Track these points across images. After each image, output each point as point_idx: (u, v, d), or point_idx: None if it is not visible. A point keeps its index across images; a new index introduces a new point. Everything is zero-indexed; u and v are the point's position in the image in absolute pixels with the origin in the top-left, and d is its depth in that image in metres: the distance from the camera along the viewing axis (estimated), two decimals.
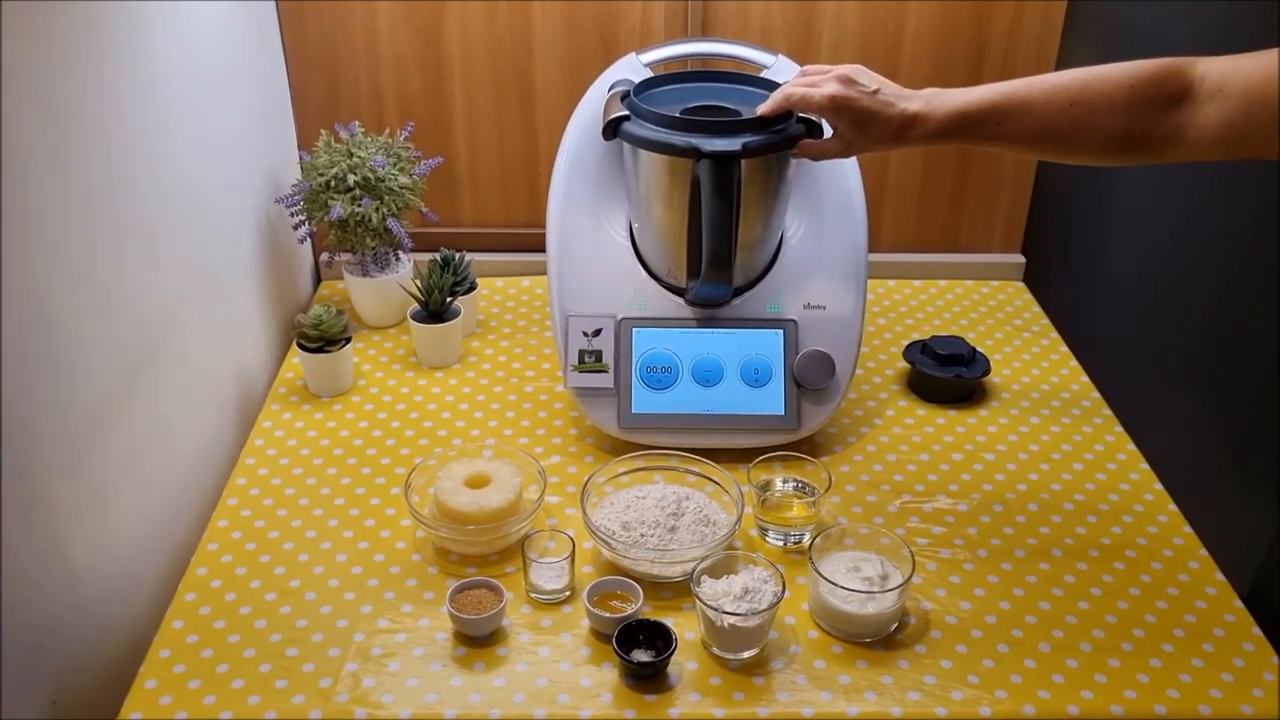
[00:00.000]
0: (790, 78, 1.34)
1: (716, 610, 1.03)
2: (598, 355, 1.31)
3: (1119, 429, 1.40)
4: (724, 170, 1.18)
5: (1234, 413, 1.62)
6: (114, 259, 1.08)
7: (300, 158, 1.55)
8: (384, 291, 1.56)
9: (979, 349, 1.48)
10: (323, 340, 1.41)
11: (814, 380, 1.30)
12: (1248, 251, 1.42)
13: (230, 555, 1.18)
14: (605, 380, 1.31)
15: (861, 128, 1.12)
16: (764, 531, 1.22)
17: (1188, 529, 1.23)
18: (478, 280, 1.59)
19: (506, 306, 1.66)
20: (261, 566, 1.16)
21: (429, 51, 1.59)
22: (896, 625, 1.10)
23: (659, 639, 1.05)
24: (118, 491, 1.09)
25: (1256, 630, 1.10)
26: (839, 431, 1.38)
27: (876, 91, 1.11)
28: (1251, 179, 1.49)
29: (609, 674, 1.04)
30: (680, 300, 1.33)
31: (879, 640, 1.08)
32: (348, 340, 1.44)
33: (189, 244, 1.26)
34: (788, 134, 1.21)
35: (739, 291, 1.33)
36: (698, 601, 1.05)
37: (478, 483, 1.20)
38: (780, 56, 1.37)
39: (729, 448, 1.30)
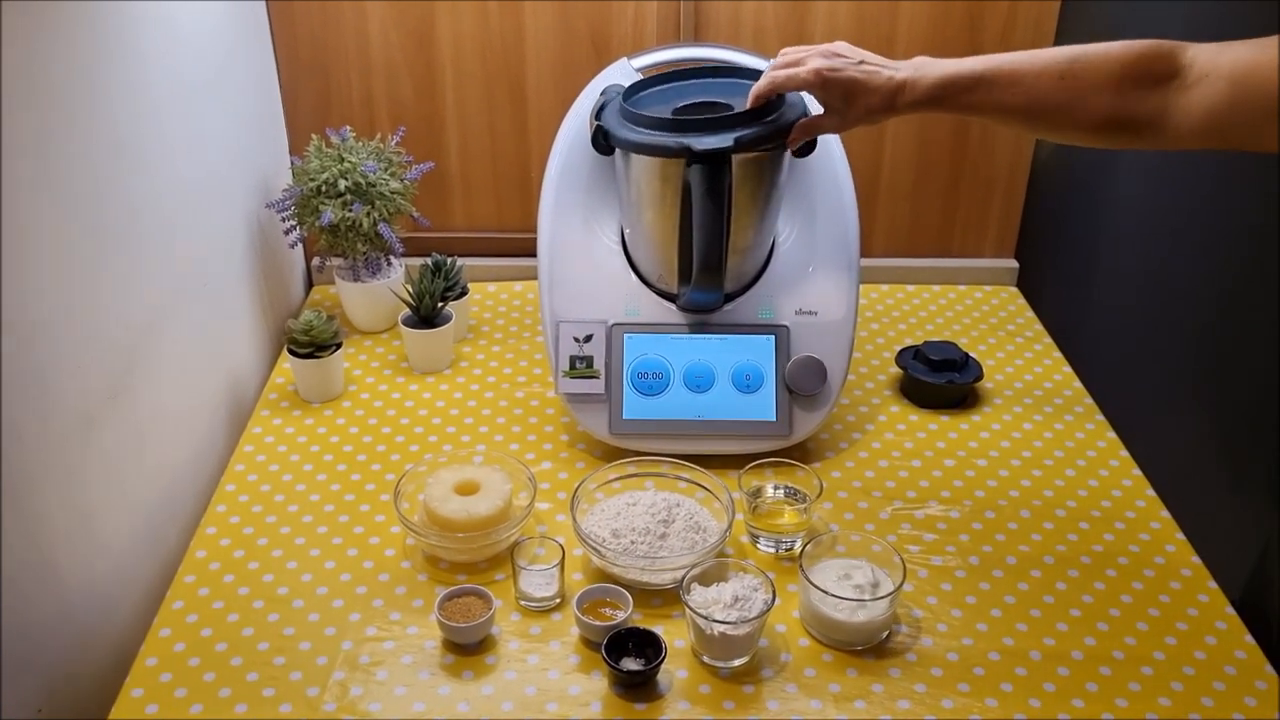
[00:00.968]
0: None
1: (706, 618, 1.03)
2: (589, 361, 1.31)
3: (1111, 435, 1.40)
4: (715, 171, 1.17)
5: (1226, 419, 1.62)
6: (104, 264, 1.07)
7: (291, 162, 1.55)
8: (375, 297, 1.56)
9: (971, 354, 1.48)
10: (313, 345, 1.41)
11: (806, 386, 1.30)
12: (1242, 257, 1.42)
13: (218, 563, 1.17)
14: (596, 386, 1.30)
15: (851, 99, 1.10)
16: (755, 538, 1.21)
17: (1180, 536, 1.23)
18: (469, 285, 1.59)
19: (498, 312, 1.65)
20: (250, 574, 1.16)
21: (420, 56, 1.59)
22: (887, 633, 1.09)
23: (649, 647, 1.04)
24: (105, 498, 1.09)
25: (1249, 638, 1.10)
26: (831, 438, 1.38)
27: (861, 62, 1.10)
28: (1247, 183, 1.49)
29: (598, 682, 1.04)
30: (672, 306, 1.33)
31: (870, 648, 1.08)
32: (338, 346, 1.43)
33: (179, 249, 1.26)
34: (779, 124, 1.19)
35: (730, 297, 1.32)
36: (687, 609, 1.04)
37: (467, 489, 1.20)
38: (772, 62, 1.37)
39: (720, 454, 1.29)
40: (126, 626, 1.12)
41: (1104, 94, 1.00)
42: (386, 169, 1.50)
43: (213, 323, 1.36)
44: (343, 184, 1.46)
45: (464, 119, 1.64)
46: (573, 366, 1.31)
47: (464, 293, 1.56)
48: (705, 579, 1.09)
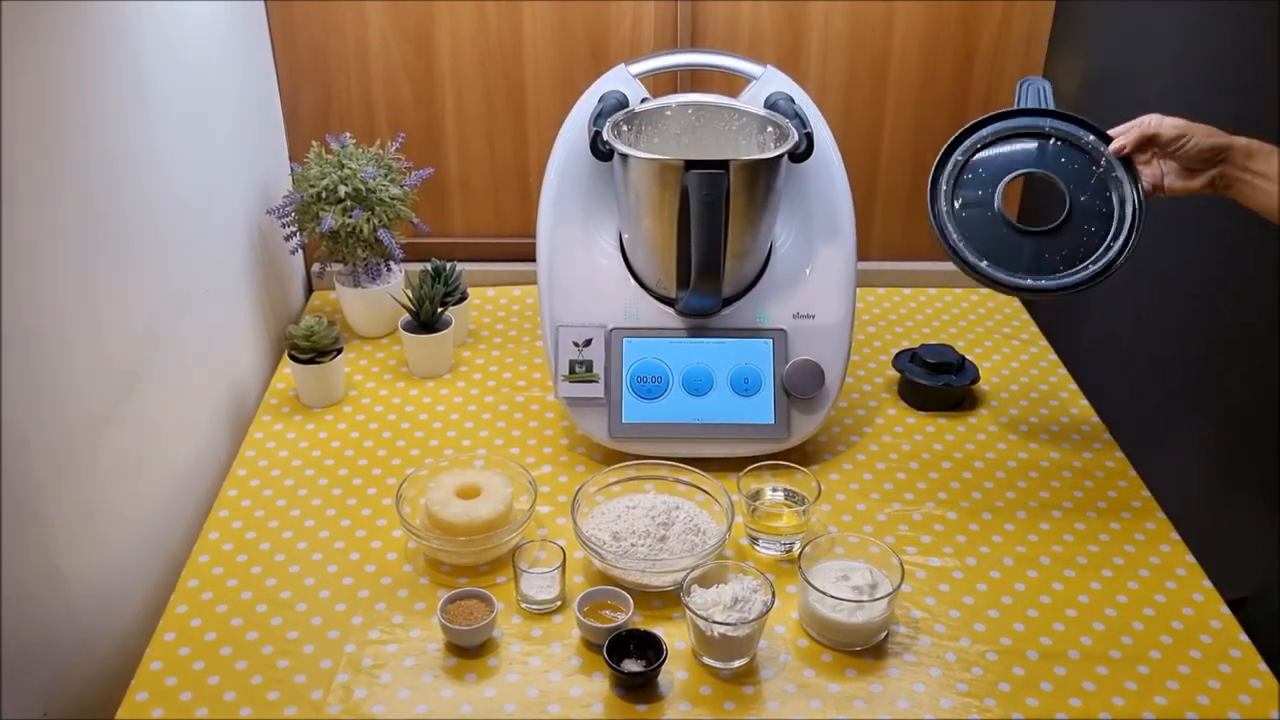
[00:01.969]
0: (779, 88, 1.35)
1: (706, 620, 1.04)
2: (588, 365, 1.32)
3: (1107, 437, 1.41)
4: (713, 177, 1.19)
5: (1221, 419, 1.63)
6: (105, 271, 1.08)
7: (291, 169, 1.56)
8: (375, 302, 1.57)
9: (968, 357, 1.49)
10: (314, 351, 1.42)
11: (803, 389, 1.31)
12: (1240, 259, 1.43)
13: (221, 567, 1.18)
14: (596, 390, 1.31)
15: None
16: (754, 540, 1.22)
17: (1175, 536, 1.24)
18: (469, 290, 1.60)
19: (498, 316, 1.66)
20: (253, 578, 1.17)
21: (420, 63, 1.60)
22: (886, 633, 1.10)
23: (649, 648, 1.05)
24: (109, 504, 1.09)
25: (1243, 637, 1.11)
26: (828, 440, 1.39)
27: None
28: None
29: (600, 684, 1.05)
30: (670, 310, 1.34)
31: (868, 649, 1.09)
32: (339, 351, 1.44)
33: (180, 256, 1.27)
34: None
35: (729, 301, 1.33)
36: (688, 611, 1.05)
37: (469, 493, 1.20)
38: (769, 67, 1.38)
39: (719, 457, 1.30)
40: (131, 630, 1.13)
41: None
42: (386, 175, 1.51)
43: (214, 329, 1.37)
44: (343, 190, 1.47)
45: (463, 125, 1.65)
46: (572, 371, 1.32)
47: (464, 298, 1.57)
48: (705, 581, 1.10)
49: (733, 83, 1.42)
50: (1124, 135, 1.21)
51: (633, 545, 1.15)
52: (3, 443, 0.91)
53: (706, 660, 1.07)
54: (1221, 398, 1.59)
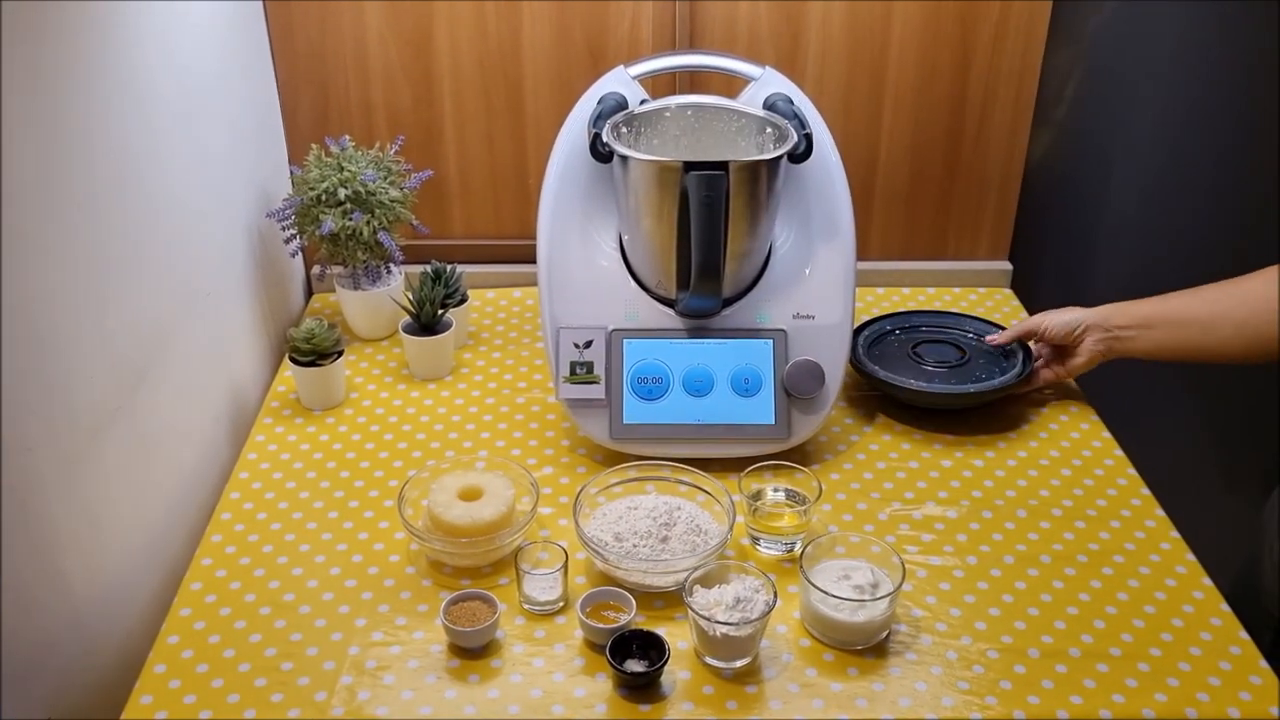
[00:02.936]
0: (778, 88, 1.35)
1: (709, 620, 1.04)
2: (589, 366, 1.32)
3: (1106, 435, 1.41)
4: (712, 181, 1.19)
5: (1220, 416, 1.63)
6: (106, 274, 1.08)
7: (291, 172, 1.56)
8: (375, 304, 1.57)
9: None
10: (315, 353, 1.42)
11: (804, 389, 1.31)
12: (1236, 258, 1.44)
13: (224, 570, 1.18)
14: (597, 391, 1.32)
15: None
16: (756, 540, 1.22)
17: (1174, 534, 1.24)
18: (469, 292, 1.60)
19: (498, 318, 1.66)
20: (255, 580, 1.17)
21: (418, 65, 1.60)
22: (887, 633, 1.10)
23: (652, 649, 1.05)
24: (112, 506, 1.10)
25: (1243, 634, 1.11)
26: (829, 440, 1.39)
27: None
28: (1240, 186, 1.51)
29: (603, 684, 1.05)
30: (670, 311, 1.34)
31: (870, 648, 1.09)
32: (340, 353, 1.44)
33: (180, 259, 1.27)
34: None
35: (729, 302, 1.34)
36: (690, 611, 1.05)
37: (471, 495, 1.21)
38: (768, 69, 1.38)
39: (720, 457, 1.31)
40: (134, 634, 1.13)
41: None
42: (386, 177, 1.52)
43: (215, 332, 1.37)
44: (342, 193, 1.47)
45: (462, 127, 1.65)
46: (573, 372, 1.32)
47: (464, 300, 1.57)
48: (707, 581, 1.10)
49: (731, 84, 1.43)
50: (1003, 334, 1.45)
51: (635, 546, 1.15)
52: (5, 446, 0.91)
53: (709, 660, 1.07)
54: (1221, 398, 1.60)
